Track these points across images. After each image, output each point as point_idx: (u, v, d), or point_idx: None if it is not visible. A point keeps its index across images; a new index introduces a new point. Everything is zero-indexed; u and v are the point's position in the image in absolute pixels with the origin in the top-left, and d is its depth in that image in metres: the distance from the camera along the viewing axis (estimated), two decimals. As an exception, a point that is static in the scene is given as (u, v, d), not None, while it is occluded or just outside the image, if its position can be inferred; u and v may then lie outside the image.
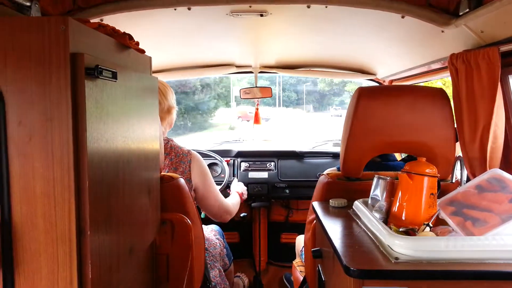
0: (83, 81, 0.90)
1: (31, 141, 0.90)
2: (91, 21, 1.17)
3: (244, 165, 3.14)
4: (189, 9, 1.67)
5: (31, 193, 0.91)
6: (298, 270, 2.28)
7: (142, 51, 1.35)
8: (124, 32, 1.22)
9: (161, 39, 2.21)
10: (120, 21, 1.68)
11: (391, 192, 1.37)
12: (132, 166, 1.22)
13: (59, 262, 0.92)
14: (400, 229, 1.20)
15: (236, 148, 3.26)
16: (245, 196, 2.60)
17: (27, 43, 0.88)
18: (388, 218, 1.33)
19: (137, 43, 1.32)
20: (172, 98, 2.03)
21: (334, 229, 1.29)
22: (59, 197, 0.90)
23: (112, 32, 1.17)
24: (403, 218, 1.26)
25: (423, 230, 1.17)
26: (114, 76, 1.02)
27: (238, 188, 2.67)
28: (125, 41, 1.21)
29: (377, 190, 1.38)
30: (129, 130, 1.19)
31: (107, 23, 1.23)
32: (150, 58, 1.47)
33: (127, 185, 1.18)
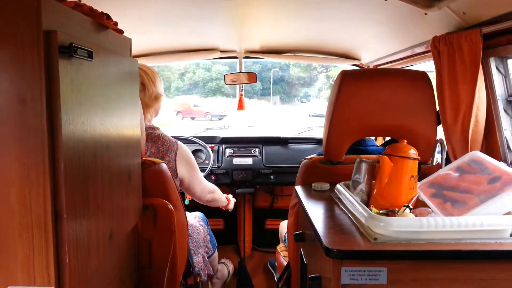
0: (57, 59, 0.87)
1: (4, 123, 0.87)
2: (69, 0, 1.14)
3: (228, 151, 3.13)
4: None
5: (6, 178, 0.88)
6: (282, 255, 2.29)
7: (121, 31, 1.32)
8: (101, 12, 1.19)
9: (143, 22, 2.17)
10: (99, 2, 1.64)
11: (372, 175, 1.37)
12: (111, 150, 1.19)
13: (35, 246, 0.90)
14: (380, 211, 1.21)
15: (220, 134, 3.25)
16: (231, 206, 2.56)
17: None
18: (368, 201, 1.34)
19: (116, 23, 1.28)
20: (160, 85, 2.00)
21: (315, 212, 1.30)
22: (34, 181, 0.88)
23: (89, 12, 1.14)
24: (384, 200, 1.27)
25: (403, 212, 1.18)
26: (90, 55, 0.99)
27: (230, 197, 2.62)
28: (103, 21, 1.18)
29: (359, 173, 1.39)
30: (107, 113, 1.16)
31: (85, 3, 1.20)
32: (129, 39, 1.44)
33: (105, 170, 1.15)
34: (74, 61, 0.93)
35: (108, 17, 1.21)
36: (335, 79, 1.64)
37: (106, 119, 1.15)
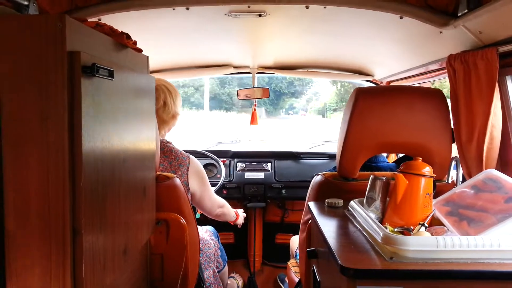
0: (80, 79, 0.89)
1: (27, 139, 0.89)
2: (89, 20, 1.17)
3: (240, 165, 3.14)
4: (187, 9, 1.67)
5: (26, 192, 0.90)
6: (293, 270, 2.28)
7: (140, 50, 1.35)
8: (121, 32, 1.22)
9: (159, 39, 2.21)
10: (118, 20, 1.67)
11: (387, 192, 1.37)
12: (127, 165, 1.21)
13: (52, 261, 0.92)
14: (396, 229, 1.20)
15: (232, 148, 3.26)
16: (240, 221, 2.56)
17: (24, 41, 0.87)
18: (383, 218, 1.33)
19: (135, 42, 1.31)
20: (179, 105, 2.04)
21: (329, 228, 1.29)
22: (53, 196, 0.90)
23: (110, 31, 1.17)
24: (399, 218, 1.26)
25: (418, 230, 1.17)
26: (111, 74, 1.02)
27: (240, 213, 2.62)
28: (123, 40, 1.21)
29: (373, 190, 1.38)
30: (125, 129, 1.18)
31: (105, 22, 1.23)
32: (147, 57, 1.47)
33: (122, 185, 1.17)
34: (95, 80, 0.96)
35: (128, 36, 1.24)
36: (349, 95, 1.64)
37: (124, 135, 1.17)
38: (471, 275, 0.97)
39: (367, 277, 0.98)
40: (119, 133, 1.13)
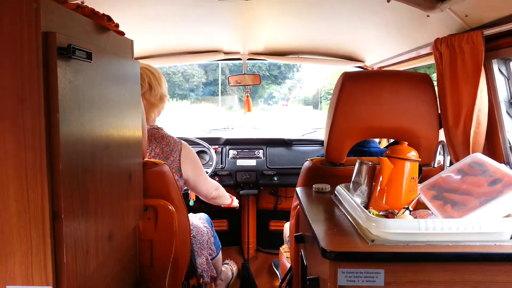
0: (55, 61, 0.88)
1: (2, 122, 0.88)
2: (72, 2, 1.15)
3: (232, 152, 3.14)
4: None
5: (3, 175, 0.89)
6: (285, 256, 2.29)
7: (122, 33, 1.33)
8: (103, 14, 1.20)
9: (146, 24, 2.18)
10: (101, 4, 1.65)
11: (373, 176, 1.37)
12: (111, 151, 1.20)
13: (33, 245, 0.91)
14: (380, 213, 1.20)
15: (224, 135, 3.25)
16: (236, 203, 2.57)
17: (0, 21, 0.86)
18: (369, 203, 1.33)
19: (117, 25, 1.29)
20: (165, 86, 2.03)
21: (315, 213, 1.29)
22: (31, 180, 0.89)
23: (91, 14, 1.15)
24: (384, 202, 1.26)
25: (402, 214, 1.17)
26: (89, 56, 1.00)
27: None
28: (103, 22, 1.19)
29: (359, 175, 1.38)
30: (108, 114, 1.17)
31: (88, 5, 1.21)
32: (131, 41, 1.45)
33: (105, 170, 1.16)
34: (72, 62, 0.94)
35: (109, 18, 1.22)
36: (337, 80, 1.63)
37: (106, 120, 1.16)
38: (452, 257, 0.97)
39: (348, 260, 0.98)
40: (101, 118, 1.12)
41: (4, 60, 0.86)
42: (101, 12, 1.19)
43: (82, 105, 1.00)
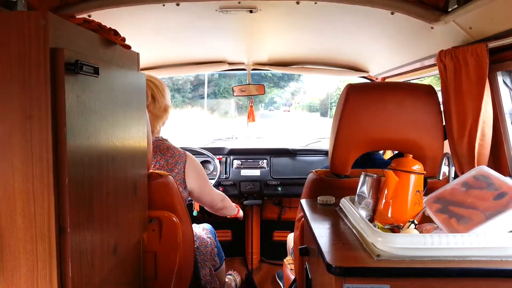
0: (63, 76, 0.89)
1: (10, 137, 0.89)
2: (79, 16, 1.16)
3: (236, 162, 3.14)
4: (177, 5, 1.66)
5: (10, 190, 0.90)
6: (289, 268, 2.28)
7: (128, 47, 1.34)
8: (109, 28, 1.21)
9: (151, 35, 2.20)
10: (108, 17, 1.67)
11: (378, 189, 1.36)
12: (116, 163, 1.21)
13: (39, 260, 0.92)
14: (385, 226, 1.20)
15: (228, 145, 3.26)
16: (241, 213, 2.58)
17: (7, 38, 0.87)
18: (374, 216, 1.33)
19: (123, 39, 1.31)
20: (168, 97, 2.04)
21: (320, 226, 1.29)
22: (38, 194, 0.90)
23: (98, 28, 1.16)
24: (389, 215, 1.26)
25: (407, 227, 1.17)
26: (96, 71, 1.01)
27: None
28: (110, 37, 1.20)
29: (364, 187, 1.38)
30: (114, 126, 1.18)
31: (94, 19, 1.22)
32: (137, 54, 1.46)
33: (111, 183, 1.17)
34: (80, 78, 0.95)
35: (116, 33, 1.23)
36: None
37: (112, 132, 1.16)
38: (459, 273, 0.96)
39: (354, 275, 0.98)
40: (107, 131, 1.13)
41: (12, 76, 0.87)
42: (108, 26, 1.20)
43: (88, 118, 1.01)
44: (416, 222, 1.19)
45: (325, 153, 3.21)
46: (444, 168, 1.61)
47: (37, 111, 0.87)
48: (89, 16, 1.66)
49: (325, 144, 3.41)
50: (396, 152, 2.34)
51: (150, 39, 2.26)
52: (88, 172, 1.01)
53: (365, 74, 2.93)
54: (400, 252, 1.01)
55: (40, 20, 0.86)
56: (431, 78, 2.55)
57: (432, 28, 1.64)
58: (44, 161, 0.88)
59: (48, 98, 0.87)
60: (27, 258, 0.91)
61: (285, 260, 2.41)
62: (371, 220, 1.30)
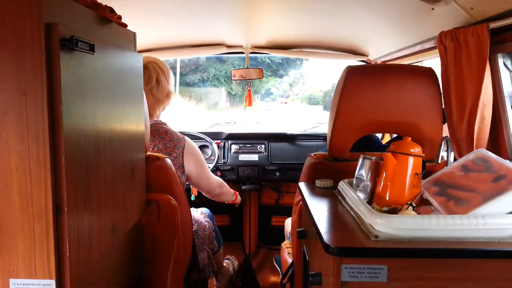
0: (58, 52, 0.87)
1: (6, 115, 0.87)
2: None
3: (234, 147, 3.13)
4: None
5: (6, 169, 0.89)
6: (287, 251, 2.29)
7: (124, 25, 1.32)
8: (105, 5, 1.19)
9: (147, 16, 2.17)
10: None
11: (376, 172, 1.36)
12: (114, 144, 1.20)
13: (36, 239, 0.91)
14: (383, 209, 1.20)
15: (227, 130, 3.25)
16: (239, 199, 2.58)
17: (2, 13, 0.85)
18: (372, 198, 1.33)
19: (119, 17, 1.28)
20: (172, 83, 2.03)
21: (318, 209, 1.29)
22: (35, 173, 0.89)
23: (93, 5, 1.14)
24: (387, 198, 1.26)
25: (405, 210, 1.17)
26: (92, 48, 0.99)
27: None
28: (106, 14, 1.18)
29: (362, 170, 1.37)
30: (111, 108, 1.16)
31: None
32: (134, 33, 1.44)
33: (108, 164, 1.16)
34: (75, 54, 0.93)
35: (111, 10, 1.21)
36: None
37: (109, 113, 1.15)
38: (456, 254, 0.97)
39: (352, 256, 0.98)
40: (104, 111, 1.12)
41: (5, 52, 0.86)
42: (103, 4, 1.18)
43: (85, 97, 1.00)
44: (414, 205, 1.19)
45: (323, 138, 3.21)
46: (443, 152, 1.60)
47: (32, 89, 0.86)
48: None
49: (324, 129, 3.40)
50: (395, 136, 2.34)
51: (147, 20, 2.23)
52: (85, 152, 1.00)
53: (364, 58, 2.91)
54: (398, 233, 1.01)
55: None
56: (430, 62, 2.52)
57: (432, 9, 1.62)
58: (40, 139, 0.87)
59: (44, 75, 0.85)
60: (24, 238, 0.91)
61: (282, 244, 2.42)
62: (369, 202, 1.30)
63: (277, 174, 3.05)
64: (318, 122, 3.56)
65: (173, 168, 1.68)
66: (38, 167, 0.88)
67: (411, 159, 1.25)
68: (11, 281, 0.93)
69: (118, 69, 1.22)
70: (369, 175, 1.36)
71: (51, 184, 0.89)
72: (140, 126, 1.45)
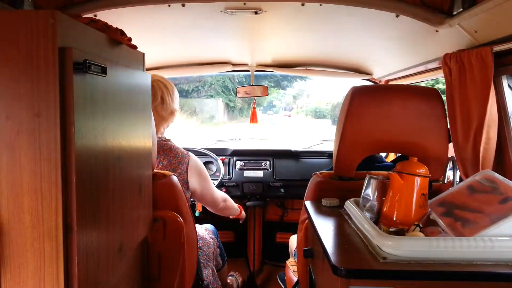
0: (72, 76, 0.89)
1: (18, 136, 0.89)
2: (85, 16, 1.16)
3: (239, 163, 3.14)
4: (183, 5, 1.67)
5: (18, 188, 0.90)
6: (291, 269, 2.28)
7: (134, 47, 1.35)
8: (116, 28, 1.21)
9: (155, 35, 2.21)
10: (113, 17, 1.68)
11: (383, 192, 1.36)
12: (122, 163, 1.21)
13: (46, 258, 0.92)
14: (390, 229, 1.20)
15: (231, 146, 3.26)
16: (244, 214, 2.59)
17: (15, 36, 0.87)
18: (379, 218, 1.33)
19: (129, 39, 1.31)
20: (177, 101, 2.05)
21: (324, 228, 1.29)
22: (46, 193, 0.90)
23: (104, 28, 1.17)
24: (394, 218, 1.26)
25: (413, 230, 1.17)
26: (104, 71, 1.02)
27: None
28: (117, 36, 1.21)
29: (369, 190, 1.38)
30: (119, 127, 1.18)
31: (100, 18, 1.23)
32: (143, 54, 1.47)
33: (117, 182, 1.17)
34: (88, 77, 0.95)
35: (122, 32, 1.24)
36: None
37: (118, 132, 1.17)
38: (465, 276, 0.97)
39: (360, 277, 0.98)
40: (113, 130, 1.13)
41: (20, 75, 0.87)
42: (114, 26, 1.21)
43: (96, 118, 1.01)
44: (421, 225, 1.19)
45: (328, 155, 3.21)
46: (449, 172, 1.61)
47: (45, 110, 0.88)
48: (95, 16, 1.66)
49: (328, 146, 3.41)
50: (399, 154, 2.34)
51: (155, 39, 2.26)
52: (95, 171, 1.02)
53: (368, 77, 2.93)
54: (406, 255, 1.01)
55: (49, 19, 0.86)
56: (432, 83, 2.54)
57: (437, 31, 1.64)
58: (52, 159, 0.89)
59: (57, 97, 0.87)
60: (34, 256, 0.92)
61: (287, 262, 2.41)
62: (376, 222, 1.30)
63: (282, 190, 3.05)
64: (323, 139, 3.57)
65: (179, 185, 1.69)
66: (50, 187, 0.89)
67: (417, 180, 1.25)
68: None
69: (127, 89, 1.24)
70: (376, 195, 1.36)
71: (62, 204, 0.90)
72: (148, 143, 1.47)
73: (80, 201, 0.94)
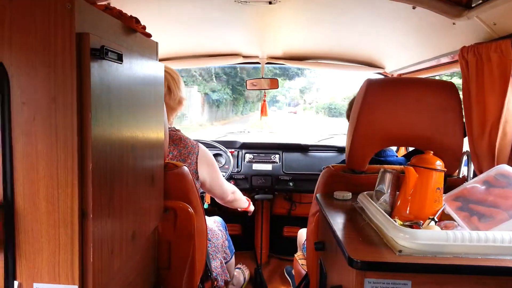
0: (89, 61, 0.88)
1: (35, 121, 0.89)
2: (98, 3, 1.15)
3: (248, 156, 3.13)
4: None
5: (34, 174, 0.90)
6: (300, 263, 2.27)
7: (149, 35, 1.34)
8: (131, 15, 1.21)
9: (168, 26, 2.20)
10: (127, 5, 1.67)
11: (396, 185, 1.35)
12: (136, 152, 1.21)
13: (61, 244, 0.92)
14: (405, 223, 1.19)
15: (241, 139, 3.26)
16: (252, 207, 2.59)
17: (33, 21, 0.86)
18: (392, 212, 1.32)
19: (144, 27, 1.30)
20: (183, 90, 2.04)
21: (338, 221, 1.28)
22: (62, 179, 0.90)
23: (119, 15, 1.16)
24: (408, 212, 1.25)
25: (428, 224, 1.16)
26: (120, 58, 1.01)
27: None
28: (132, 24, 1.20)
29: (382, 183, 1.37)
30: (134, 115, 1.18)
31: (114, 6, 1.22)
32: (156, 43, 1.46)
33: (131, 171, 1.17)
34: (104, 63, 0.95)
35: (137, 20, 1.23)
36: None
37: (132, 121, 1.16)
38: (482, 271, 0.95)
39: (375, 270, 0.97)
40: (128, 119, 1.13)
41: (36, 60, 0.87)
42: (128, 14, 1.20)
43: (111, 105, 1.01)
44: (436, 219, 1.18)
45: (337, 149, 3.20)
46: (463, 167, 1.59)
47: (62, 95, 0.87)
48: (109, 3, 1.65)
49: (338, 140, 3.39)
50: (412, 149, 2.32)
51: (167, 29, 2.25)
52: (110, 159, 1.01)
53: (380, 70, 2.91)
54: (422, 248, 1.00)
55: (66, 3, 0.86)
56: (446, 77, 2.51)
57: (454, 24, 1.62)
58: (69, 146, 0.88)
59: (74, 83, 0.87)
60: (49, 242, 0.92)
61: (296, 255, 2.41)
62: (389, 216, 1.29)
63: (291, 184, 3.05)
64: (333, 133, 3.56)
65: (190, 176, 1.69)
66: (66, 173, 0.89)
67: (433, 174, 1.24)
68: (35, 285, 0.93)
69: (141, 78, 1.24)
70: (390, 189, 1.35)
71: (78, 190, 0.90)
72: (160, 134, 1.46)
73: (96, 188, 0.93)
